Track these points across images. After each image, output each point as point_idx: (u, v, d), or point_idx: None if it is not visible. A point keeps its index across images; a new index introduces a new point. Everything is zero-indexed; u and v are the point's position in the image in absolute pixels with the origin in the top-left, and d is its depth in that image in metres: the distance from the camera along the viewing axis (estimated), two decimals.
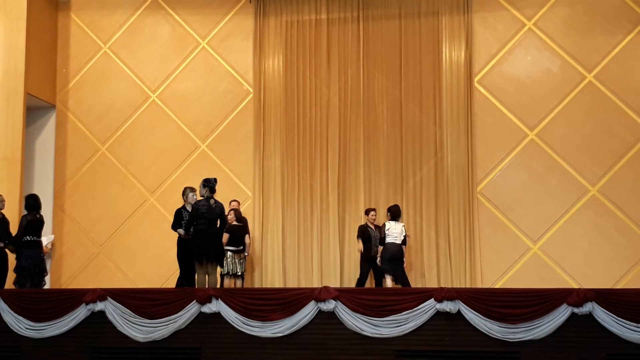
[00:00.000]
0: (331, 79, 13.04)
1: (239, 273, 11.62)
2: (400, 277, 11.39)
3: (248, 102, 13.28)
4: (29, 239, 10.59)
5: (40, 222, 10.83)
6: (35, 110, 13.51)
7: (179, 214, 11.03)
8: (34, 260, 10.60)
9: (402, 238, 11.43)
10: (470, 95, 12.60)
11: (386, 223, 11.47)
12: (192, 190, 11.16)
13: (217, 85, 13.45)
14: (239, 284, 11.59)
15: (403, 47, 12.89)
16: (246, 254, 11.76)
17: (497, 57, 12.69)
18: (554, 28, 12.54)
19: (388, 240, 11.35)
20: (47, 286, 11.48)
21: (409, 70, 12.83)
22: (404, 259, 11.56)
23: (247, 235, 11.82)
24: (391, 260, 11.33)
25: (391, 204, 12.12)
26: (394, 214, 11.55)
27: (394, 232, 11.36)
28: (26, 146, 13.01)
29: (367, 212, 11.99)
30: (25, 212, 10.84)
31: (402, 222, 11.63)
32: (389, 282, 11.32)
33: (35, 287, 10.60)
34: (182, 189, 11.43)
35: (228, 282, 11.60)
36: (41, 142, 13.71)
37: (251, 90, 13.28)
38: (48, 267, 11.93)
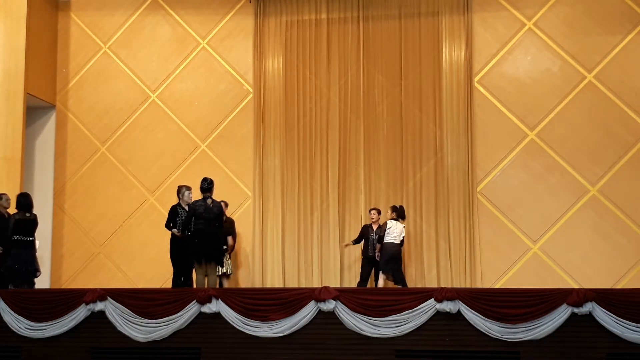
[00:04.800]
0: (331, 79, 13.03)
1: (220, 273, 11.60)
2: (399, 277, 11.40)
3: (248, 102, 13.28)
4: (17, 238, 10.51)
5: (29, 222, 10.65)
6: (35, 110, 13.51)
7: (174, 211, 10.97)
8: (21, 260, 10.49)
9: (401, 239, 11.45)
10: (470, 95, 12.60)
11: (388, 222, 11.46)
12: (188, 188, 11.15)
13: (217, 85, 13.45)
14: (225, 283, 11.56)
15: (403, 47, 12.89)
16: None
17: (497, 57, 12.69)
18: (554, 28, 12.54)
19: (387, 240, 11.35)
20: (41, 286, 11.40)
21: (409, 70, 12.83)
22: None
23: (229, 237, 11.85)
24: (389, 261, 11.34)
25: (391, 204, 12.13)
26: (400, 214, 11.56)
27: (394, 232, 11.38)
28: (26, 146, 13.01)
29: (369, 211, 12.00)
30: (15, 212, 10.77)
31: (403, 223, 11.64)
32: (381, 281, 11.32)
33: (22, 288, 10.50)
34: (179, 187, 11.44)
35: (226, 284, 11.61)
36: (41, 142, 13.71)
37: (251, 90, 13.27)
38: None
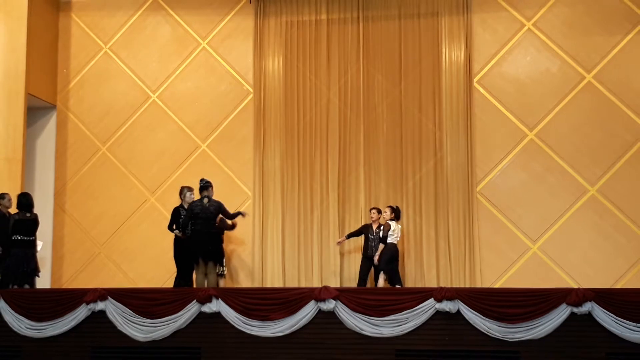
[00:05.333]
0: (331, 79, 13.04)
1: (220, 272, 11.57)
2: (397, 277, 11.41)
3: (248, 102, 13.29)
4: (17, 238, 10.51)
5: (30, 222, 10.68)
6: (36, 110, 13.53)
7: (176, 213, 11.10)
8: (20, 259, 10.49)
9: (398, 239, 11.53)
10: (469, 95, 12.61)
11: (390, 223, 11.48)
12: (190, 189, 11.21)
13: (217, 85, 13.47)
14: (221, 283, 11.57)
15: (403, 48, 12.90)
16: None
17: (496, 57, 12.70)
18: (553, 28, 12.56)
19: (389, 240, 11.38)
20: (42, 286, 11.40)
21: (409, 71, 12.84)
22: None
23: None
24: (392, 261, 11.37)
25: (391, 204, 12.15)
26: (398, 215, 11.60)
27: (396, 232, 11.43)
28: (27, 146, 13.02)
29: (370, 210, 12.00)
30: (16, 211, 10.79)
31: (399, 223, 11.70)
32: (381, 281, 11.33)
33: (21, 287, 10.49)
34: (181, 188, 11.48)
35: (221, 283, 11.59)
36: (42, 142, 13.72)
37: (251, 90, 13.29)
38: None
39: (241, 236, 12.83)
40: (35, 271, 10.73)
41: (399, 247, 11.77)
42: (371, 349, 9.13)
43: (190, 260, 10.76)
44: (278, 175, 12.96)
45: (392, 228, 11.41)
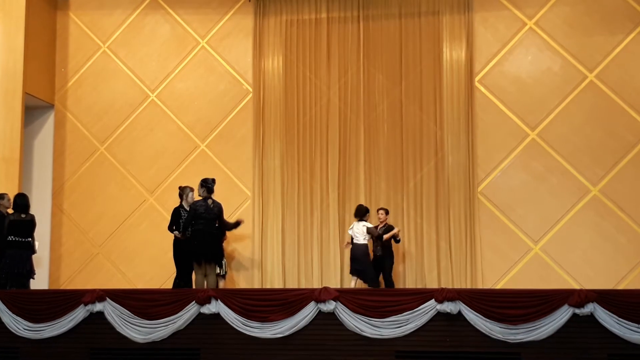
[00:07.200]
0: (331, 79, 12.99)
1: (221, 273, 11.50)
2: (367, 277, 11.19)
3: (247, 102, 13.24)
4: (12, 239, 10.44)
5: (25, 223, 10.59)
6: (34, 109, 13.48)
7: (176, 213, 11.06)
8: (15, 261, 10.40)
9: (365, 237, 11.27)
10: (470, 95, 12.57)
11: (354, 223, 11.43)
12: (192, 190, 11.16)
13: (216, 84, 13.42)
14: (221, 284, 11.48)
15: (403, 47, 12.86)
16: None
17: (497, 56, 12.65)
18: (554, 27, 12.51)
19: (354, 240, 11.31)
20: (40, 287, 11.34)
21: (409, 70, 12.79)
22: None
23: None
24: (354, 261, 11.28)
25: (391, 204, 12.09)
26: (356, 213, 11.46)
27: (357, 232, 11.29)
28: (25, 146, 12.97)
29: (377, 211, 11.90)
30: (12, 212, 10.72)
31: (366, 220, 11.44)
32: (352, 283, 11.25)
33: (17, 289, 10.42)
34: (182, 188, 11.42)
35: (222, 284, 11.53)
36: (40, 142, 13.67)
37: (251, 89, 13.24)
38: None
39: (241, 236, 12.77)
40: (30, 273, 10.64)
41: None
42: (371, 350, 9.09)
43: (190, 261, 10.70)
44: (278, 176, 12.92)
45: (350, 227, 11.38)
